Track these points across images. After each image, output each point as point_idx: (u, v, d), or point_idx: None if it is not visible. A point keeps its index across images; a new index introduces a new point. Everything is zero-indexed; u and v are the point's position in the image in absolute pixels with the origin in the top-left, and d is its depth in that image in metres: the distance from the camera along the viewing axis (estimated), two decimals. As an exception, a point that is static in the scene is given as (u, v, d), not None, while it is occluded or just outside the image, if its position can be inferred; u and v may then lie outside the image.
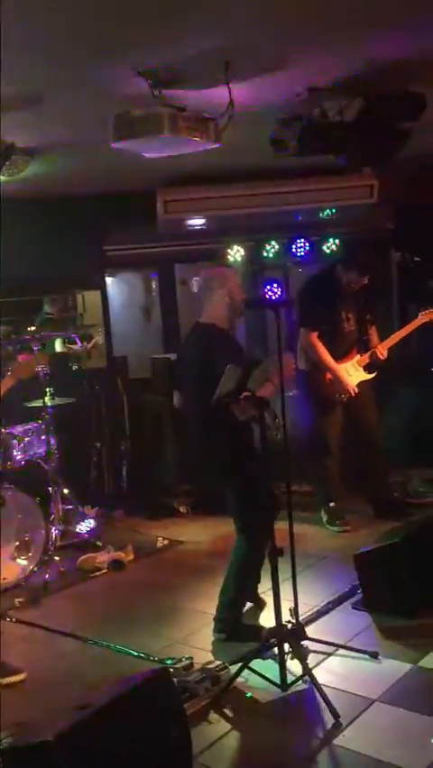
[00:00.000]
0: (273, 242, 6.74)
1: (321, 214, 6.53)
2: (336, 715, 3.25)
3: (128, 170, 5.25)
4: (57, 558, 5.30)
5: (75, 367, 6.47)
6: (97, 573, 5.24)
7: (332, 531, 5.70)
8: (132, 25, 3.06)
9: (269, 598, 3.61)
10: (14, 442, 5.27)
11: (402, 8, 3.11)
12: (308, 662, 3.51)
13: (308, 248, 6.71)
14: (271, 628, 3.63)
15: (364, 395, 5.76)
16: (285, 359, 3.58)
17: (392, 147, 4.32)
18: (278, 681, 3.47)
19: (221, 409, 3.69)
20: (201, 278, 4.26)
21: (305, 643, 3.70)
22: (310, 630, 3.93)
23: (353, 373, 5.75)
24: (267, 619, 4.11)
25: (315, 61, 3.68)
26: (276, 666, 3.52)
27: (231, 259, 6.69)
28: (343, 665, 3.73)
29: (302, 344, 5.77)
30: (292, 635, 3.61)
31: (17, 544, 5.05)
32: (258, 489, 3.87)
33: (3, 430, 5.22)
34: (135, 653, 3.99)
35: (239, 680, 3.55)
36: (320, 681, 3.41)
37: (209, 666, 3.70)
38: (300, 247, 6.71)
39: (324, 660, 3.76)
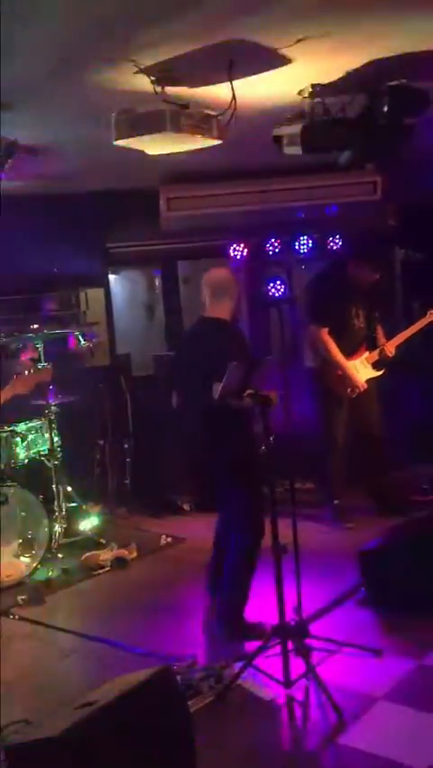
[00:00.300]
0: (276, 240, 6.71)
1: (324, 212, 6.51)
2: (339, 713, 3.25)
3: (131, 168, 5.23)
4: (60, 555, 5.31)
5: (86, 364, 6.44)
6: (101, 571, 5.24)
7: (336, 528, 5.69)
8: (134, 22, 3.05)
9: (272, 596, 3.61)
10: (18, 439, 5.28)
11: (405, 2, 3.10)
12: (311, 659, 3.51)
13: (311, 245, 6.69)
14: (274, 626, 3.63)
15: (368, 391, 5.76)
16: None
17: (396, 144, 4.30)
18: (281, 679, 3.47)
19: (224, 406, 3.70)
20: (214, 278, 4.28)
21: (308, 640, 3.69)
22: (314, 628, 3.91)
23: (361, 370, 5.75)
24: (270, 617, 4.11)
25: (318, 58, 3.67)
26: (279, 664, 3.51)
27: (234, 256, 6.67)
28: (346, 663, 3.72)
29: (312, 340, 5.76)
30: (296, 633, 3.60)
31: (20, 541, 5.05)
32: (258, 485, 3.89)
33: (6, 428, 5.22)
34: (138, 651, 3.99)
35: (242, 677, 3.55)
36: (324, 679, 3.41)
37: (212, 664, 3.70)
38: (304, 244, 6.69)
39: (327, 657, 3.75)
